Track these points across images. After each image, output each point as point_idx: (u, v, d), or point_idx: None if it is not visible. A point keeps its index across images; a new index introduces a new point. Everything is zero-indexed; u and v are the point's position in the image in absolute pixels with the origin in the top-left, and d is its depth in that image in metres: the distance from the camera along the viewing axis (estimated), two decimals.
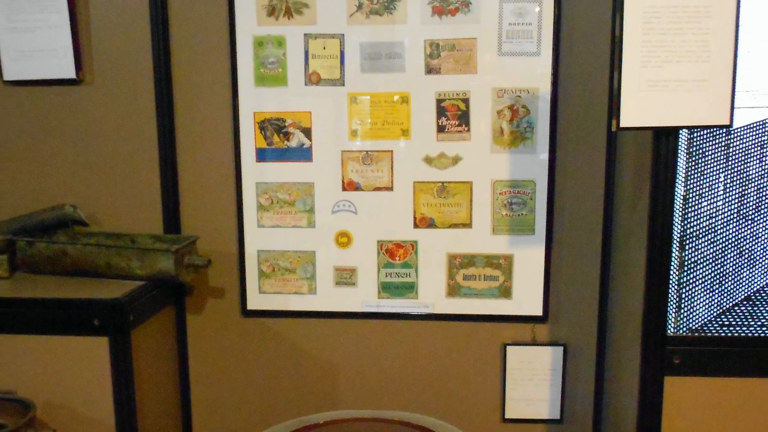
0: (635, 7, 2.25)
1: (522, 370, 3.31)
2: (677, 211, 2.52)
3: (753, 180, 2.57)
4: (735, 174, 2.57)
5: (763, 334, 2.61)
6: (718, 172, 2.56)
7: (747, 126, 2.55)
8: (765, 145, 2.56)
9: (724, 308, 2.64)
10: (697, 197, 2.56)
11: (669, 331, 2.58)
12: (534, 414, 3.35)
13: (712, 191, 2.57)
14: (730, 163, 2.56)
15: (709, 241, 2.59)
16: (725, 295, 2.64)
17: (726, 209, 2.58)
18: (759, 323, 2.63)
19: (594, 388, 3.30)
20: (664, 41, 2.26)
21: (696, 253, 2.59)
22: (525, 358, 3.30)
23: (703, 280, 2.61)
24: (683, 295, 2.60)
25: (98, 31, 3.27)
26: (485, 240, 3.23)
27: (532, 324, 3.29)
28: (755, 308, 2.64)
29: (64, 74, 3.25)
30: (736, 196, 2.58)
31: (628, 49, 2.27)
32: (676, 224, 2.53)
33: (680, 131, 2.47)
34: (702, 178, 2.55)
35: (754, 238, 2.61)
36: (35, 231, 3.21)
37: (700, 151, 2.54)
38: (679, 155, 2.48)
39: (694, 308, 2.62)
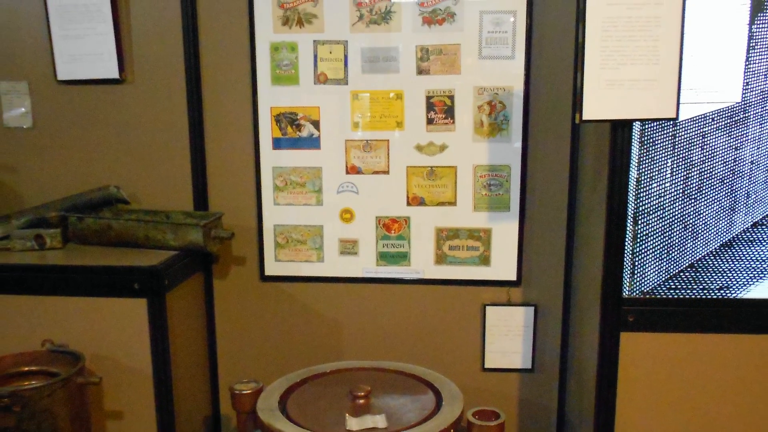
0: (596, 18, 2.24)
1: (499, 326, 3.30)
2: (631, 191, 2.51)
3: (696, 165, 2.56)
4: (680, 160, 2.56)
5: (703, 296, 2.61)
6: (665, 158, 2.55)
7: (690, 119, 2.53)
8: (706, 135, 2.55)
9: (671, 274, 2.63)
10: (648, 179, 2.55)
11: (624, 294, 2.58)
12: (509, 364, 3.34)
13: (661, 174, 2.56)
14: (676, 150, 2.55)
15: (658, 217, 2.58)
16: (672, 262, 2.63)
17: (672, 190, 2.57)
18: (700, 287, 2.63)
19: (560, 342, 3.30)
20: (620, 46, 2.25)
21: (647, 227, 2.58)
22: (501, 317, 3.29)
23: (653, 250, 2.60)
24: (636, 263, 2.59)
25: (138, 38, 3.25)
26: (468, 216, 3.22)
27: (508, 287, 3.28)
28: (697, 274, 2.63)
29: (108, 75, 3.24)
30: (681, 178, 2.57)
31: (589, 53, 2.27)
32: (630, 202, 2.52)
33: (634, 123, 2.45)
34: (652, 163, 2.54)
35: (696, 214, 2.60)
36: (84, 208, 3.21)
37: (651, 140, 2.53)
38: (632, 144, 2.47)
39: (646, 274, 2.61)
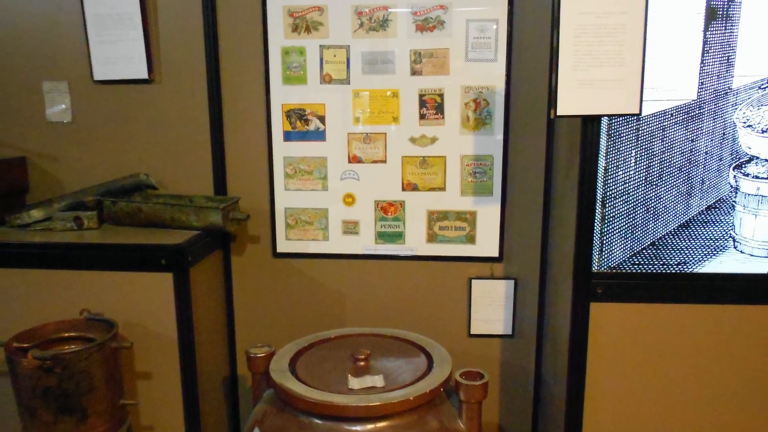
0: (569, 25, 2.24)
1: (483, 297, 3.31)
2: (600, 178, 2.51)
3: (656, 155, 2.55)
4: (643, 150, 2.55)
5: (663, 271, 2.61)
6: (630, 149, 2.54)
7: (652, 114, 2.53)
8: (665, 129, 2.54)
9: (635, 251, 2.63)
10: (614, 168, 2.54)
11: (593, 268, 2.58)
12: (492, 331, 3.35)
13: (626, 163, 2.55)
14: (639, 142, 2.54)
15: (623, 201, 2.58)
16: (635, 241, 2.63)
17: (636, 177, 2.56)
18: (660, 263, 2.63)
19: (537, 311, 3.30)
20: (590, 50, 2.25)
21: (614, 209, 2.58)
22: (485, 289, 3.30)
23: (619, 230, 2.60)
24: (604, 241, 2.59)
25: (165, 43, 3.24)
26: (456, 200, 3.22)
27: (491, 263, 3.28)
28: (658, 251, 2.63)
29: (138, 75, 3.23)
30: (644, 167, 2.56)
31: (563, 56, 2.26)
32: (599, 188, 2.51)
33: (602, 118, 2.45)
34: (618, 153, 2.53)
35: (657, 198, 2.59)
36: (117, 193, 3.21)
37: (617, 133, 2.52)
38: (601, 136, 2.47)
39: (613, 251, 2.61)
